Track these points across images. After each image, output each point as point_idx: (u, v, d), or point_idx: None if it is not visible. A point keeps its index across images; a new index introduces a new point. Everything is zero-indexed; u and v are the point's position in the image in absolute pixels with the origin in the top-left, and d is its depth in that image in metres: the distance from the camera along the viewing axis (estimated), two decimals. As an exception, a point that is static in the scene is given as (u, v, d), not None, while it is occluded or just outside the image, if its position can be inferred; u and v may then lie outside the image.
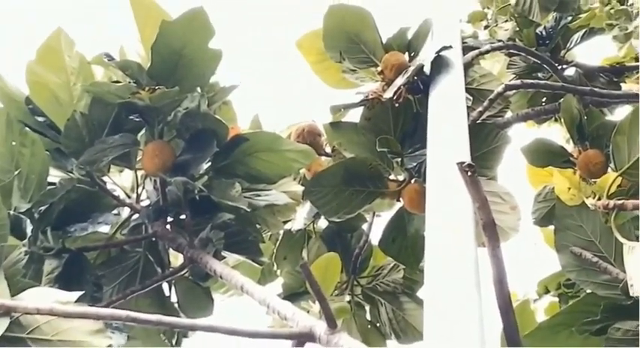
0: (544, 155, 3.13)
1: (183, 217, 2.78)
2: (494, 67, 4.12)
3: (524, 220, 2.90)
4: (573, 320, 2.33)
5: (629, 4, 4.34)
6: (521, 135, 3.83)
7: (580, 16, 4.16)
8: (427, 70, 2.90)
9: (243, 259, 2.87)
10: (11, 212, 2.40)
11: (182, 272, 2.77)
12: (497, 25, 4.39)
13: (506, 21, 4.35)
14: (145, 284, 2.75)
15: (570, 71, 4.15)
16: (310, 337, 2.00)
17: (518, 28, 4.14)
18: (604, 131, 2.90)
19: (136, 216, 2.87)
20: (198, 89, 2.76)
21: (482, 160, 2.87)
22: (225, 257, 2.77)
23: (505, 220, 2.83)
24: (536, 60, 3.91)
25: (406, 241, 3.07)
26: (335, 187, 2.94)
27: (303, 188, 3.08)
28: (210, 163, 2.77)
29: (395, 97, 2.86)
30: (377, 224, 3.51)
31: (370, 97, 2.99)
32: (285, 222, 3.27)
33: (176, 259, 2.96)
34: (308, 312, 2.85)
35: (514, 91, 3.72)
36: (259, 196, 2.90)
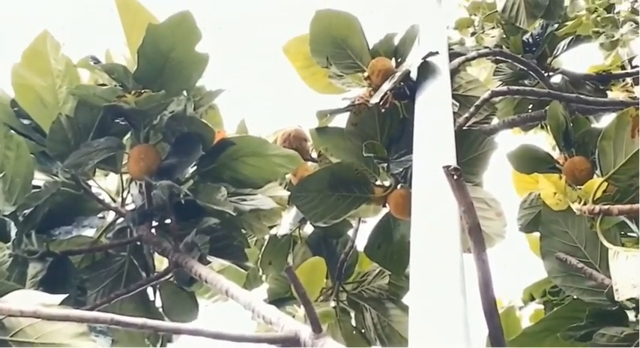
0: (530, 162, 3.13)
1: (168, 221, 2.78)
2: (481, 73, 4.13)
3: (509, 227, 2.91)
4: (558, 326, 2.33)
5: (615, 12, 4.36)
6: (508, 141, 3.84)
7: (567, 23, 4.17)
8: (414, 75, 2.90)
9: (228, 264, 2.87)
10: (-4, 215, 2.39)
11: (167, 276, 2.76)
12: (484, 32, 4.41)
13: (493, 28, 4.37)
14: (130, 288, 2.73)
15: (557, 78, 4.17)
16: (295, 341, 1.99)
17: (504, 35, 4.15)
18: (590, 138, 2.90)
19: (121, 220, 2.86)
20: (185, 93, 2.76)
21: (468, 166, 2.87)
22: (210, 262, 2.76)
23: (491, 226, 2.83)
24: (522, 67, 3.92)
25: (392, 247, 3.06)
26: (321, 193, 2.94)
27: (289, 193, 3.08)
28: (195, 167, 2.76)
29: (381, 103, 2.86)
30: (362, 230, 3.51)
31: (357, 102, 2.99)
32: (270, 227, 3.27)
33: (161, 263, 2.96)
34: (293, 317, 2.84)
35: (500, 97, 3.73)
36: (245, 200, 2.90)
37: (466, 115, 3.08)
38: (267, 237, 3.60)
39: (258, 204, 2.93)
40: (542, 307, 3.65)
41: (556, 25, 4.10)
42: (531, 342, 2.41)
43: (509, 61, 3.95)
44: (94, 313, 1.97)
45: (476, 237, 1.75)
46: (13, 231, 2.46)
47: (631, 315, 2.18)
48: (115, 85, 2.70)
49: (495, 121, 3.74)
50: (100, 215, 2.86)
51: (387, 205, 2.99)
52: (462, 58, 3.35)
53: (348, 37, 3.07)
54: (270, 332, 2.17)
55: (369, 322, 3.48)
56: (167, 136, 2.76)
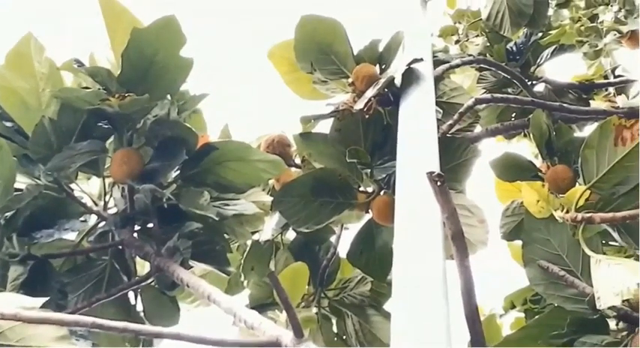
0: (512, 170, 3.14)
1: (150, 225, 2.77)
2: (465, 81, 4.14)
3: (491, 235, 2.92)
4: (540, 334, 2.33)
5: (599, 21, 4.38)
6: (491, 149, 3.85)
7: (550, 32, 4.19)
8: (398, 82, 2.90)
9: (210, 269, 2.86)
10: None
11: (148, 281, 2.75)
12: (468, 40, 4.42)
13: (477, 36, 4.39)
14: (111, 292, 2.72)
15: (540, 87, 4.19)
16: (277, 346, 1.99)
17: (488, 43, 4.17)
18: (572, 147, 2.92)
19: (103, 223, 2.85)
20: (169, 97, 2.75)
21: (451, 173, 2.88)
22: (192, 266, 2.76)
23: (473, 233, 2.84)
24: (506, 75, 3.93)
25: (374, 254, 3.06)
26: (304, 198, 2.94)
27: (272, 198, 3.08)
28: (179, 172, 2.76)
29: (365, 109, 2.86)
30: (345, 236, 3.50)
31: (341, 108, 2.99)
32: (253, 232, 3.26)
33: (142, 267, 2.95)
34: (275, 322, 2.83)
35: (484, 105, 3.74)
36: (228, 205, 2.89)
37: (450, 122, 3.08)
38: (249, 242, 3.59)
39: (241, 209, 2.93)
40: (522, 315, 3.65)
41: (540, 34, 4.11)
42: (513, 349, 2.41)
43: (493, 69, 3.96)
44: (75, 317, 1.97)
45: (459, 244, 1.76)
46: (-6, 234, 2.45)
47: (612, 323, 2.19)
48: (99, 89, 2.70)
49: (479, 128, 3.75)
50: (82, 219, 2.85)
51: (370, 211, 2.99)
52: (446, 65, 3.35)
53: (333, 43, 3.08)
54: (251, 337, 2.17)
55: (350, 328, 3.48)
56: (150, 140, 2.76)
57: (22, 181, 2.70)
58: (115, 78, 2.65)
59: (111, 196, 2.89)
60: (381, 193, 2.97)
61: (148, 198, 2.67)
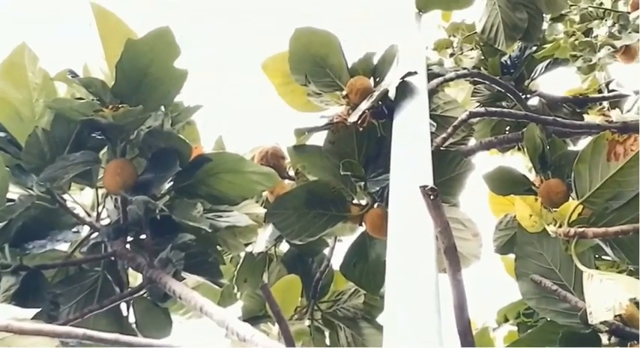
0: (506, 183, 3.14)
1: (143, 236, 2.76)
2: (459, 94, 4.13)
3: (484, 248, 2.92)
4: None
5: (593, 36, 4.39)
6: (485, 162, 3.85)
7: (545, 46, 4.20)
8: (392, 95, 2.91)
9: (203, 281, 2.85)
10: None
11: (141, 292, 2.74)
12: (462, 53, 4.43)
13: (472, 49, 4.39)
14: (103, 304, 2.71)
15: (534, 101, 4.19)
16: (269, 359, 1.99)
17: (483, 57, 4.17)
18: (566, 161, 2.92)
19: (95, 234, 2.84)
20: (162, 108, 2.75)
21: (445, 186, 2.88)
22: (184, 278, 2.75)
23: (467, 246, 2.85)
24: (500, 89, 3.93)
25: (367, 266, 3.06)
26: (297, 210, 2.94)
27: (265, 210, 3.08)
28: (172, 183, 2.75)
29: (359, 122, 2.87)
30: (338, 249, 3.50)
31: (335, 120, 3.00)
32: (246, 244, 3.25)
33: (135, 278, 2.94)
34: (267, 335, 2.83)
35: (478, 118, 3.74)
36: (221, 217, 2.89)
37: (443, 135, 3.08)
38: (242, 254, 3.59)
39: (234, 221, 2.92)
40: (515, 328, 3.65)
41: (534, 48, 4.12)
42: (505, 363, 2.42)
43: (487, 82, 3.96)
44: (67, 328, 1.96)
45: (451, 257, 1.76)
46: (-13, 244, 2.44)
47: (604, 338, 2.19)
48: (93, 99, 2.69)
49: (473, 142, 3.75)
50: (75, 230, 2.83)
51: (363, 223, 2.99)
52: (441, 78, 3.35)
53: (327, 55, 3.08)
54: (243, 349, 2.16)
55: (343, 341, 3.48)
56: (144, 151, 2.75)
57: (14, 192, 2.69)
58: (109, 89, 2.65)
59: (104, 207, 2.88)
60: (375, 205, 2.97)
61: (141, 209, 2.66)
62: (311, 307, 3.54)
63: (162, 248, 2.68)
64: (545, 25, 4.25)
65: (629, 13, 4.44)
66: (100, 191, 2.86)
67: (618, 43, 4.41)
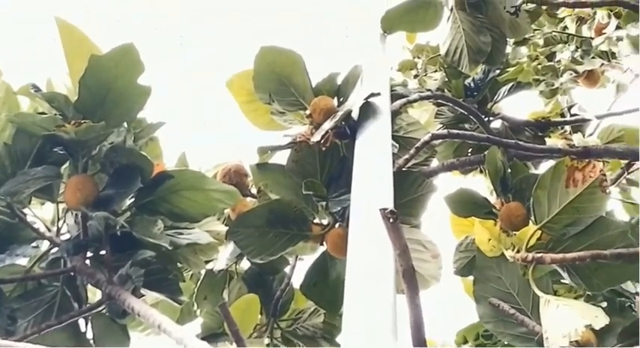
0: (467, 205, 3.15)
1: (103, 252, 2.74)
2: (423, 116, 4.16)
3: (446, 269, 2.93)
4: (490, 371, 2.35)
5: (556, 60, 4.43)
6: (449, 184, 3.86)
7: (508, 69, 4.22)
8: (355, 115, 2.92)
9: (162, 298, 2.84)
10: None
11: (99, 308, 2.72)
12: (426, 75, 4.45)
13: (436, 71, 4.42)
14: (62, 319, 2.69)
15: (497, 123, 4.21)
16: (225, 378, 1.99)
17: (447, 79, 4.19)
18: (527, 184, 2.93)
19: (55, 249, 2.82)
20: (125, 125, 2.75)
21: (406, 207, 2.89)
22: (144, 295, 2.74)
23: (426, 268, 2.85)
24: (463, 111, 3.95)
25: (328, 286, 3.06)
26: (259, 229, 2.94)
27: (226, 228, 3.08)
28: (133, 199, 2.74)
29: (322, 141, 2.87)
30: (299, 268, 3.50)
31: (298, 139, 3.00)
32: (207, 261, 3.25)
33: (94, 294, 2.92)
34: (226, 353, 2.83)
35: (441, 140, 3.76)
36: (182, 234, 2.88)
37: (406, 156, 3.09)
38: (203, 271, 3.58)
39: (195, 238, 2.91)
40: (474, 350, 3.66)
41: (498, 71, 4.14)
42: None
43: (451, 104, 3.98)
44: (23, 345, 1.95)
45: (409, 280, 1.77)
46: (-55, 258, 2.42)
47: (560, 363, 2.20)
48: (55, 114, 2.68)
49: (435, 163, 3.77)
50: (34, 244, 2.82)
51: (324, 243, 3.00)
52: (404, 100, 3.37)
53: (292, 74, 3.09)
54: (200, 369, 2.15)
55: (301, 360, 3.48)
56: (106, 166, 2.74)
57: (-26, 206, 2.67)
58: (72, 104, 2.64)
59: (64, 222, 2.86)
60: (336, 225, 2.97)
61: (101, 225, 2.65)
62: (270, 326, 3.53)
63: (121, 264, 2.66)
64: (509, 49, 4.28)
65: (592, 38, 4.48)
66: (61, 206, 2.84)
67: (580, 68, 4.45)
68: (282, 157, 3.10)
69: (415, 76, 4.50)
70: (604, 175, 2.31)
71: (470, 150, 4.06)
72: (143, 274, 2.65)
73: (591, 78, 4.66)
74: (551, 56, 4.46)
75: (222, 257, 3.35)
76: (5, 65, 2.73)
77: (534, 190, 2.37)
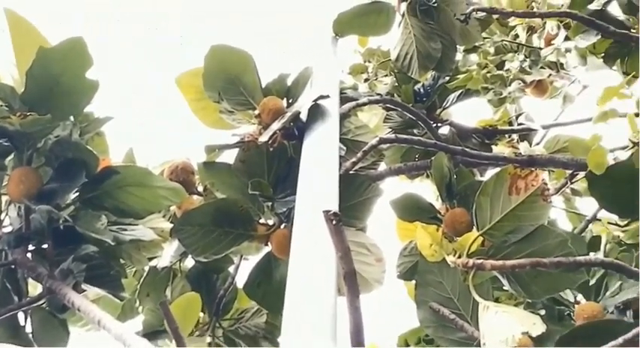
0: (412, 210, 3.16)
1: (45, 246, 2.73)
2: (372, 119, 4.16)
3: (391, 273, 2.95)
4: (429, 374, 2.37)
5: (505, 69, 4.46)
6: (397, 188, 3.88)
7: (458, 76, 4.25)
8: (304, 117, 2.93)
9: (103, 293, 2.82)
10: None
11: (39, 302, 2.70)
12: (377, 79, 4.45)
13: (386, 75, 4.42)
14: (0, 312, 2.67)
15: (445, 130, 4.23)
16: (163, 376, 1.98)
17: (397, 84, 4.20)
18: (472, 191, 2.94)
19: (-4, 242, 2.80)
20: (72, 118, 2.73)
21: (352, 210, 2.90)
22: (85, 290, 2.72)
23: (370, 271, 2.87)
24: (411, 116, 3.97)
25: (271, 287, 3.06)
26: (204, 227, 2.93)
27: (171, 225, 3.07)
28: (77, 194, 2.73)
29: (270, 142, 2.88)
30: (244, 267, 3.50)
31: (246, 139, 3.00)
32: (150, 258, 3.23)
33: (34, 288, 2.90)
34: (165, 351, 2.82)
35: (389, 144, 3.77)
36: (125, 230, 2.87)
37: (353, 159, 3.09)
38: (146, 268, 3.56)
39: (139, 235, 2.90)
40: (416, 354, 3.68)
41: (447, 78, 4.16)
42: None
43: (400, 109, 3.99)
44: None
45: (350, 283, 1.78)
46: None
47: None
48: (1, 106, 2.66)
49: (383, 167, 3.78)
50: (-25, 237, 2.79)
51: (269, 244, 3.00)
52: (353, 103, 3.37)
53: (242, 73, 3.09)
54: (139, 366, 2.15)
55: (242, 359, 3.47)
56: (50, 160, 2.72)
57: None
58: (18, 96, 2.62)
59: (6, 214, 2.83)
60: (281, 226, 2.98)
61: (45, 218, 2.63)
62: (213, 325, 3.52)
63: (63, 259, 2.65)
64: (459, 56, 4.31)
65: (540, 48, 4.52)
66: (4, 198, 2.82)
67: (528, 78, 4.48)
68: (229, 157, 3.10)
69: (366, 80, 4.50)
70: (546, 184, 2.34)
71: (417, 155, 4.07)
72: (85, 269, 2.64)
73: (540, 88, 4.70)
74: (501, 65, 4.49)
75: (167, 254, 3.34)
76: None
77: (477, 196, 2.39)
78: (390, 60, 4.16)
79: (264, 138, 2.86)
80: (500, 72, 4.36)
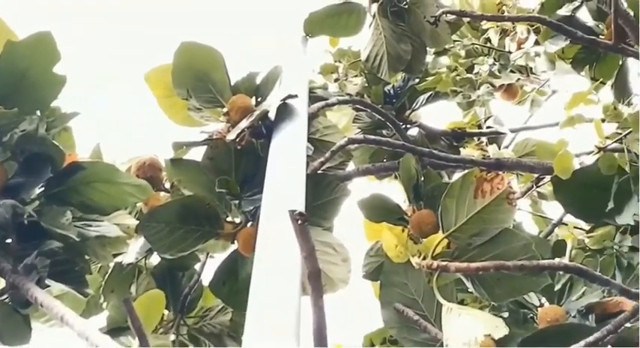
0: (379, 211, 3.16)
1: (9, 240, 2.71)
2: (342, 119, 4.16)
3: (356, 272, 2.95)
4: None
5: (475, 72, 4.47)
6: (365, 189, 3.88)
7: (428, 78, 4.25)
8: (272, 115, 2.93)
9: (67, 289, 2.81)
10: None
11: (2, 297, 2.68)
12: (347, 79, 4.45)
13: (356, 76, 4.42)
14: (-38, 307, 2.66)
15: (414, 131, 4.24)
16: (125, 373, 1.98)
17: (367, 84, 4.20)
18: (439, 193, 2.94)
19: (-41, 236, 2.78)
20: (38, 113, 2.71)
21: (319, 210, 2.91)
22: (49, 286, 2.70)
23: (336, 271, 2.87)
24: (380, 117, 3.97)
25: (237, 285, 3.05)
26: (170, 224, 2.93)
27: (137, 222, 3.05)
28: (43, 189, 2.71)
29: (238, 140, 2.88)
30: (209, 265, 3.49)
31: (214, 137, 3.00)
32: (115, 255, 3.22)
33: (-2, 283, 2.88)
34: (128, 348, 2.81)
35: (357, 145, 3.77)
36: (91, 226, 2.85)
37: (321, 159, 3.09)
38: (111, 264, 3.54)
39: (104, 231, 2.89)
40: (382, 353, 3.68)
41: (417, 80, 4.17)
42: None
43: (369, 110, 4.00)
44: None
45: (315, 283, 1.78)
46: None
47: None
48: (-33, 99, 2.64)
49: (351, 167, 3.78)
50: (-63, 231, 2.77)
51: (235, 242, 3.00)
52: (322, 103, 3.38)
53: (211, 71, 3.09)
54: (101, 362, 2.13)
55: (206, 357, 3.46)
56: (16, 154, 2.70)
57: None
58: (-16, 89, 2.61)
59: (-30, 208, 2.81)
60: (248, 224, 2.98)
61: (9, 213, 2.61)
62: (177, 322, 3.51)
63: (27, 254, 2.62)
64: (429, 58, 4.32)
65: (510, 52, 4.54)
66: (-32, 192, 2.80)
67: (497, 82, 4.50)
68: (197, 154, 3.09)
69: (336, 80, 4.49)
70: (511, 187, 2.35)
71: (386, 156, 4.08)
72: (49, 265, 2.62)
73: (510, 91, 4.72)
74: (471, 68, 4.50)
75: (132, 251, 3.32)
76: None
77: (443, 198, 2.41)
78: (360, 60, 4.16)
79: (231, 136, 2.85)
80: (469, 75, 4.37)
